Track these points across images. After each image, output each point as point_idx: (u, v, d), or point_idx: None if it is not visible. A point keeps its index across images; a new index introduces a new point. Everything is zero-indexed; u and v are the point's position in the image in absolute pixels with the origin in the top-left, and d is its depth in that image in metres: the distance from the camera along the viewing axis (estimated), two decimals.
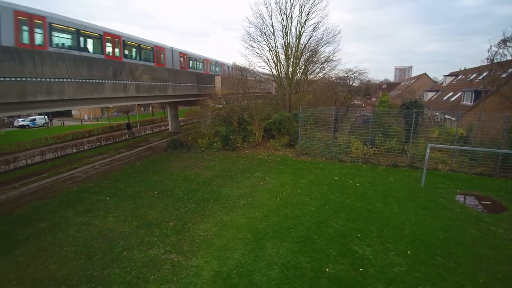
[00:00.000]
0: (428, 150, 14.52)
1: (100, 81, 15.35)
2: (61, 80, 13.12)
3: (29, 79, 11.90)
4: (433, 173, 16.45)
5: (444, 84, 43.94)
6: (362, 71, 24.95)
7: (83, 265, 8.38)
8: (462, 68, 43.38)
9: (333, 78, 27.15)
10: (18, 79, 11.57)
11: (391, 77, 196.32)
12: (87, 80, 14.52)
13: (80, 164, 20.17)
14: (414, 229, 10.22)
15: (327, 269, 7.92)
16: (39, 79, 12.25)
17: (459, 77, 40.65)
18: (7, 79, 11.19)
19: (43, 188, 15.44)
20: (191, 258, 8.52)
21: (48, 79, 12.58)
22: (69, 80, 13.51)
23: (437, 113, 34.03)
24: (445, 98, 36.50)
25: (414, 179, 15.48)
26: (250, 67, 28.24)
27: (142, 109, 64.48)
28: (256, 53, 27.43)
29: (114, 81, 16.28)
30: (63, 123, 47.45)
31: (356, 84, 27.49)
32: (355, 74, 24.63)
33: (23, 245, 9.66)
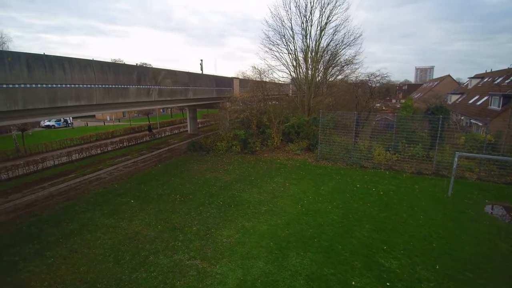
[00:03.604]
0: (456, 159, 14.03)
1: (125, 86, 15.78)
2: (89, 86, 13.58)
3: (59, 85, 12.39)
4: (460, 182, 15.87)
5: (469, 87, 42.36)
6: (385, 75, 24.42)
7: (112, 268, 8.62)
8: (488, 69, 41.69)
9: (354, 81, 26.75)
10: (49, 85, 12.06)
11: (411, 78, 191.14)
12: (113, 86, 14.96)
13: (104, 165, 20.79)
14: (442, 242, 9.91)
15: (353, 283, 7.79)
16: (68, 85, 12.73)
17: (485, 80, 39.09)
18: (39, 85, 11.69)
19: (71, 189, 16.01)
20: (215, 265, 8.60)
21: (77, 85, 13.05)
22: (96, 86, 13.96)
23: (462, 118, 32.86)
24: (470, 101, 35.17)
25: (440, 188, 15.00)
26: (269, 70, 28.27)
27: (161, 111, 65.68)
28: (275, 56, 27.46)
29: (138, 86, 16.69)
30: (87, 123, 49.05)
31: (377, 85, 26.86)
32: (377, 78, 24.12)
33: (54, 246, 10.04)
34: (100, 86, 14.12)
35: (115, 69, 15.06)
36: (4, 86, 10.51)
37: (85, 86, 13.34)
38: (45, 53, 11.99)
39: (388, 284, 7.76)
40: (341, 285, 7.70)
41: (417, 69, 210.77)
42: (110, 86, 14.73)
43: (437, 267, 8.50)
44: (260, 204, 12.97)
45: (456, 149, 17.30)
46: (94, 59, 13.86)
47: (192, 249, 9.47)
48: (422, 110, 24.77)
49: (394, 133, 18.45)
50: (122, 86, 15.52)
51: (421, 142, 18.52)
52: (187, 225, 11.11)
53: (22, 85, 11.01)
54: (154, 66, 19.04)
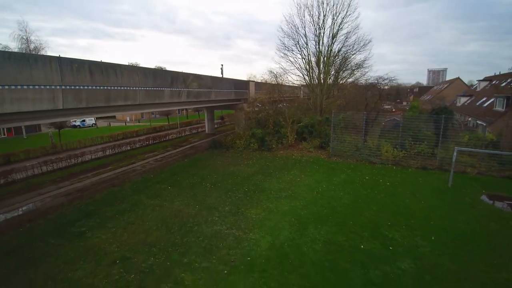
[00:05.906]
0: (455, 153, 15.70)
1: (161, 88, 18.02)
2: (134, 88, 15.84)
3: (112, 87, 14.66)
4: (461, 176, 17.44)
5: (478, 89, 43.46)
6: (393, 78, 26.08)
7: (165, 235, 10.70)
8: (504, 71, 42.47)
9: (364, 84, 28.50)
10: (104, 87, 14.34)
11: (424, 80, 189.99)
12: (152, 88, 17.20)
13: (136, 159, 23.12)
14: (439, 221, 11.63)
15: (362, 246, 9.66)
16: (119, 88, 15.00)
17: (493, 82, 40.19)
18: (98, 87, 13.97)
19: (112, 178, 18.29)
20: (248, 233, 10.59)
21: (125, 88, 15.32)
22: (139, 88, 16.22)
23: (469, 119, 34.15)
24: (478, 103, 36.42)
25: (443, 180, 16.62)
26: (284, 75, 30.26)
27: (177, 112, 68.33)
28: (289, 61, 29.46)
29: (171, 89, 18.94)
30: (110, 124, 51.99)
31: (386, 87, 28.53)
32: (385, 81, 25.81)
33: (113, 220, 12.19)
34: (142, 88, 16.37)
35: (154, 74, 17.32)
36: (73, 87, 12.80)
37: (131, 88, 15.60)
38: (102, 60, 14.30)
39: (390, 248, 9.61)
40: (352, 248, 9.58)
41: (429, 71, 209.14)
42: (150, 88, 16.98)
43: (433, 238, 10.28)
44: (280, 191, 14.92)
45: (458, 146, 18.87)
46: (137, 66, 16.10)
47: (228, 222, 11.50)
48: (428, 111, 26.26)
49: (400, 131, 20.14)
50: (159, 88, 17.76)
51: (426, 140, 20.14)
52: (221, 205, 13.16)
53: (86, 87, 13.29)
54: (172, 70, 21.18)
